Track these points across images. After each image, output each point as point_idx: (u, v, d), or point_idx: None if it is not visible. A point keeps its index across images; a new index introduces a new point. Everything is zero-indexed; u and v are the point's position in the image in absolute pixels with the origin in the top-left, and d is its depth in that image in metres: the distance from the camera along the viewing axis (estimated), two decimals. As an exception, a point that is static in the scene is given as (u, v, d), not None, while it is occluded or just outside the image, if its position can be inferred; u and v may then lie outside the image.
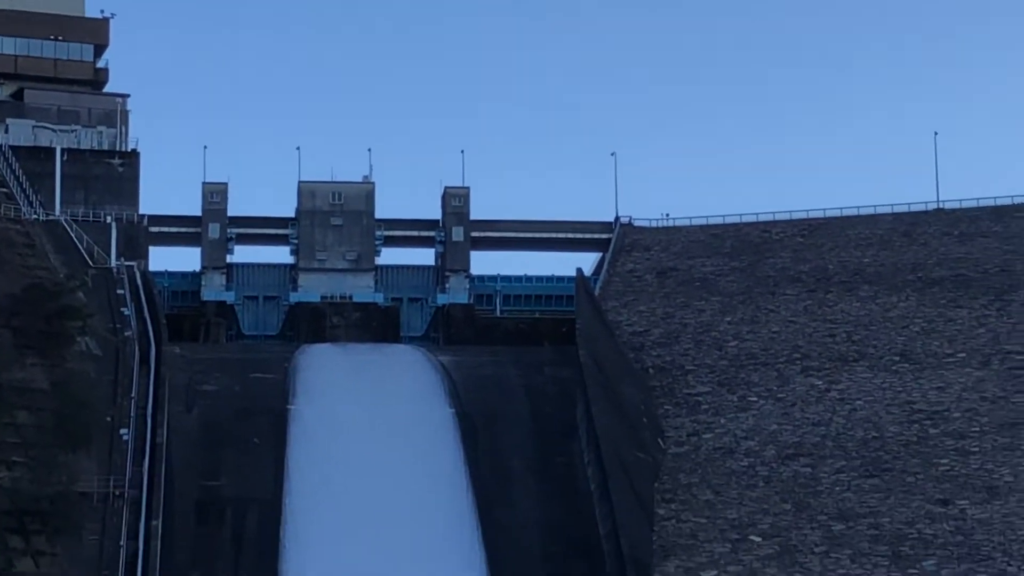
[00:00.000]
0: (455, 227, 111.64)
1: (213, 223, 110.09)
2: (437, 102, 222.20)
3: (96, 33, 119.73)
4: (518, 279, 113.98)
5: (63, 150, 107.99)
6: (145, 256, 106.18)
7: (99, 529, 79.90)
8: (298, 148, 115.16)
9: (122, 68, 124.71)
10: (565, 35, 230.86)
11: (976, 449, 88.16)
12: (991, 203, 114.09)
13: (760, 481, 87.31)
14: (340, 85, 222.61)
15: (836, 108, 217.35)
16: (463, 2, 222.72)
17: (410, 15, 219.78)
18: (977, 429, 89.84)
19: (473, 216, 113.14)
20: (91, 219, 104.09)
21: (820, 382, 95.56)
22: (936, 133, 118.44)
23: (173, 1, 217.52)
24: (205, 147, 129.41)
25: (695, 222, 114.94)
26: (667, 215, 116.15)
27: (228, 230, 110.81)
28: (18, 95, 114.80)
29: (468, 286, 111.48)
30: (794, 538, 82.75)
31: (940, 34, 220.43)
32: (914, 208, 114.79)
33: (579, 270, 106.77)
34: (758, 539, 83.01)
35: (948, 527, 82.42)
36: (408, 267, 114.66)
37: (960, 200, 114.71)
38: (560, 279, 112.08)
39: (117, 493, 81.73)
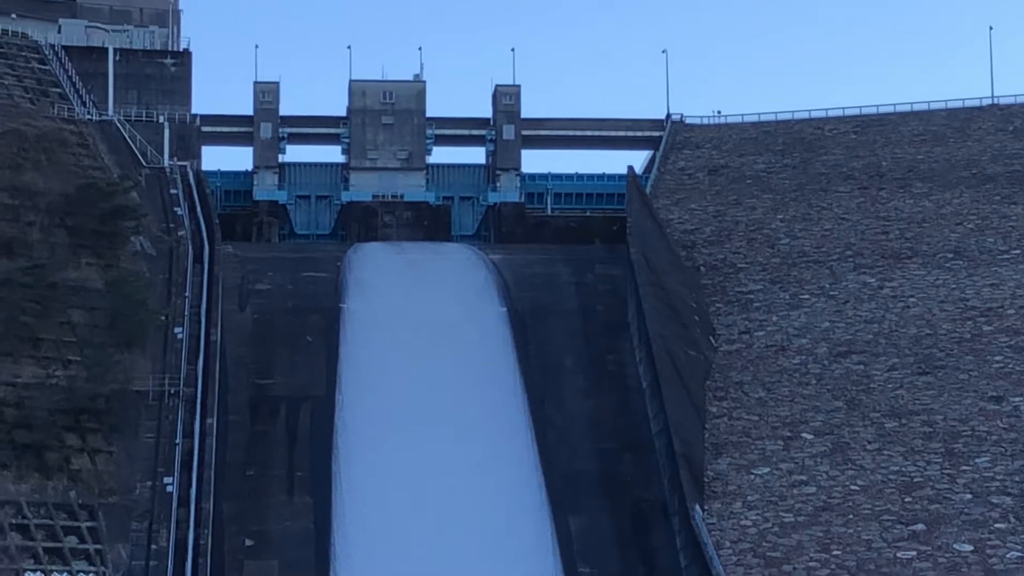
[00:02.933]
0: (506, 125, 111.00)
1: (265, 123, 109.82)
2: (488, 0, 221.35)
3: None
4: (569, 177, 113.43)
5: (115, 50, 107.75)
6: (198, 156, 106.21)
7: (154, 427, 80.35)
8: (349, 47, 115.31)
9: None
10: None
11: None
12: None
13: (812, 379, 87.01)
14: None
15: (890, 2, 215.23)
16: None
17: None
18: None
19: (524, 115, 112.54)
20: (144, 119, 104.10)
21: (873, 279, 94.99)
22: (991, 27, 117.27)
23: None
24: (256, 46, 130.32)
25: (747, 119, 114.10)
26: (719, 112, 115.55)
27: (280, 130, 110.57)
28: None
29: (519, 185, 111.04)
30: (846, 435, 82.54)
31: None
32: (968, 104, 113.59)
33: (630, 168, 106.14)
34: (810, 436, 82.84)
35: (1002, 424, 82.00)
36: (459, 166, 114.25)
37: (1015, 95, 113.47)
38: (611, 177, 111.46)
39: (172, 392, 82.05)
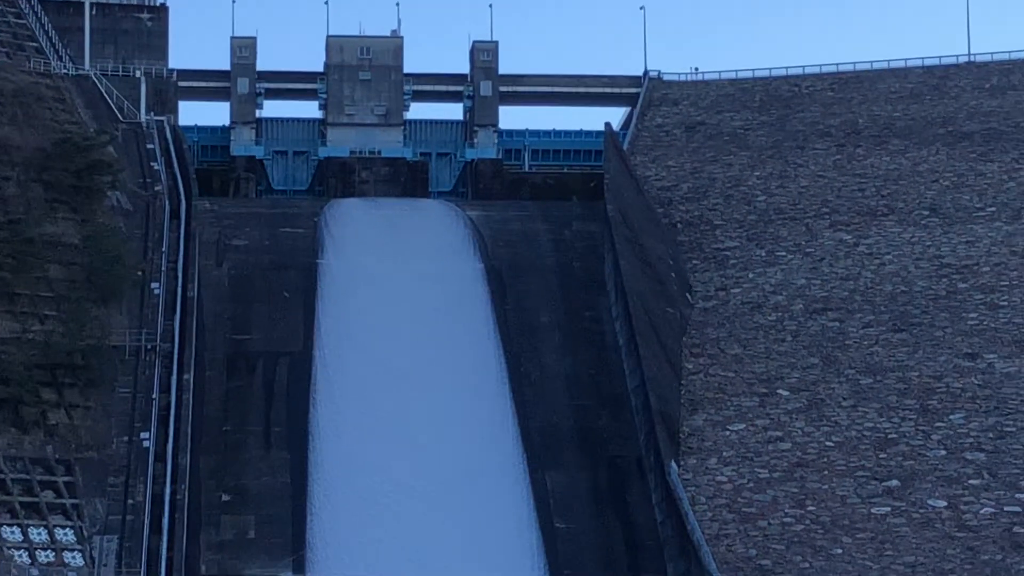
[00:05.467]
0: (483, 82, 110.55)
1: (242, 78, 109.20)
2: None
3: None
4: (546, 134, 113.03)
5: (92, 4, 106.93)
6: (175, 111, 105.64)
7: (131, 383, 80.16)
8: (326, 2, 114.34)
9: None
10: None
11: (1005, 303, 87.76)
12: (1023, 56, 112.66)
13: (788, 336, 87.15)
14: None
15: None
16: None
17: None
18: (1006, 283, 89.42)
19: (501, 71, 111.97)
20: (120, 74, 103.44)
21: (849, 237, 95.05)
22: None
23: None
24: (233, 1, 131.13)
25: (724, 76, 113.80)
26: (696, 69, 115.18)
27: (257, 85, 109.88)
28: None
29: (496, 141, 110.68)
30: (821, 392, 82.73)
31: None
32: (945, 61, 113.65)
33: (607, 124, 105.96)
34: (785, 393, 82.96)
35: (976, 381, 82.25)
36: (436, 122, 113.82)
37: (992, 53, 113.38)
38: (588, 134, 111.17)
39: (149, 347, 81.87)
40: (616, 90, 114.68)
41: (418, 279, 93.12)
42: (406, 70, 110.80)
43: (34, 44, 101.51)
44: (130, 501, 73.92)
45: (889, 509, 74.98)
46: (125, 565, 71.15)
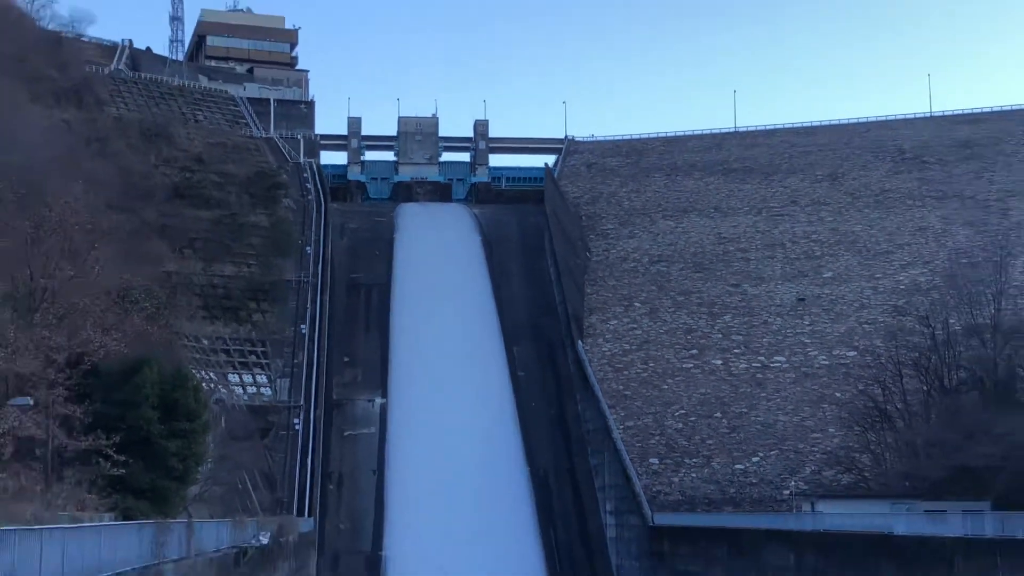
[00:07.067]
0: (480, 141, 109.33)
1: (354, 138, 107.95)
2: (467, 71, 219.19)
3: (290, 36, 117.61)
4: (514, 169, 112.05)
5: (275, 100, 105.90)
6: (317, 156, 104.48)
7: (295, 299, 79.93)
8: (398, 99, 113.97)
9: (305, 55, 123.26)
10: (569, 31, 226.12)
11: (753, 258, 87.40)
12: (769, 127, 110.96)
13: (639, 275, 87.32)
14: (402, 61, 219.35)
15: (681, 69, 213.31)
16: None
17: None
18: (754, 247, 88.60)
19: (491, 135, 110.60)
20: (288, 136, 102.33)
21: (672, 223, 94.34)
22: (735, 91, 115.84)
23: (327, 18, 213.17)
24: (349, 98, 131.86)
25: (606, 139, 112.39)
26: (592, 135, 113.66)
27: (361, 142, 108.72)
28: (250, 71, 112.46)
29: (488, 172, 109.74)
30: (656, 304, 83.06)
31: None
32: (724, 130, 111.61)
33: (546, 164, 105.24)
34: (638, 305, 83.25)
35: (737, 299, 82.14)
36: (456, 162, 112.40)
37: (749, 126, 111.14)
38: (537, 169, 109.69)
39: (304, 281, 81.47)
40: (551, 146, 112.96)
41: (446, 244, 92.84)
42: (440, 134, 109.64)
43: (244, 121, 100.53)
44: (295, 360, 74.10)
45: (691, 365, 75.45)
46: (292, 394, 71.48)
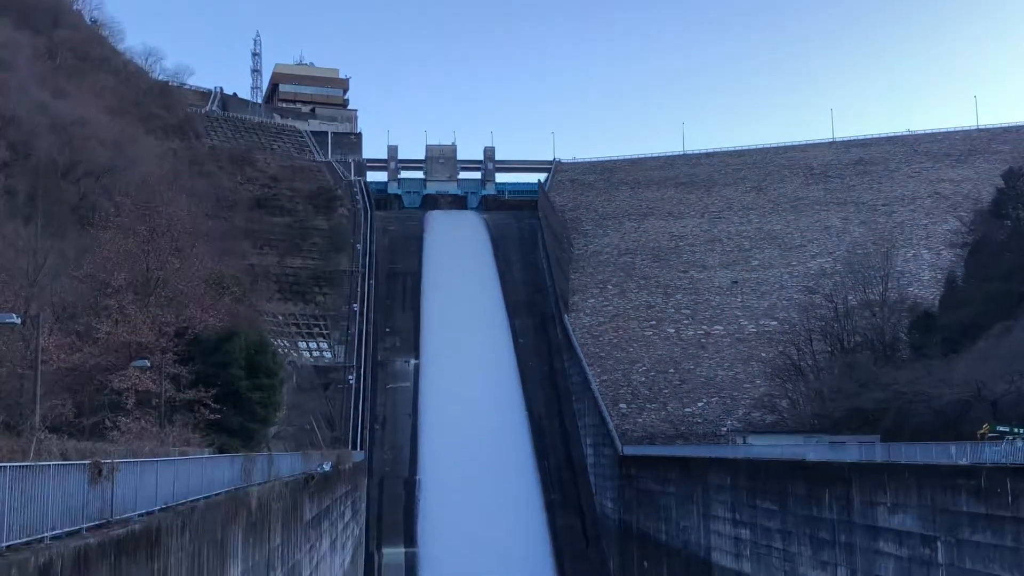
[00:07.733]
0: (489, 163, 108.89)
1: (392, 162, 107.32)
2: (479, 110, 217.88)
3: (343, 84, 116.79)
4: (515, 183, 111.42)
5: (331, 133, 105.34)
6: (364, 175, 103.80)
7: (349, 285, 79.58)
8: (425, 131, 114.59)
9: (354, 98, 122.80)
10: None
11: (698, 251, 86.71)
12: (711, 150, 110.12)
13: (611, 264, 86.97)
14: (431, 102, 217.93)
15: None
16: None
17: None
18: (700, 243, 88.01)
19: (497, 158, 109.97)
20: (342, 161, 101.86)
21: (637, 224, 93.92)
22: (684, 123, 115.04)
23: (372, 70, 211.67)
24: (388, 131, 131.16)
25: (586, 160, 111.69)
26: (575, 157, 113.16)
27: (398, 164, 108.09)
28: (313, 111, 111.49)
29: (495, 187, 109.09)
30: (624, 287, 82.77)
31: None
32: (672, 153, 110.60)
33: (540, 180, 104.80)
34: (611, 287, 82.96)
35: (687, 281, 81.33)
36: (470, 179, 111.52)
37: (696, 150, 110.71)
38: (533, 184, 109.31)
39: (354, 270, 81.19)
40: (543, 166, 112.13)
41: (462, 242, 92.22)
42: (458, 158, 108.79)
43: (308, 149, 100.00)
44: (349, 331, 73.93)
45: (651, 333, 75.34)
46: (347, 356, 71.29)
